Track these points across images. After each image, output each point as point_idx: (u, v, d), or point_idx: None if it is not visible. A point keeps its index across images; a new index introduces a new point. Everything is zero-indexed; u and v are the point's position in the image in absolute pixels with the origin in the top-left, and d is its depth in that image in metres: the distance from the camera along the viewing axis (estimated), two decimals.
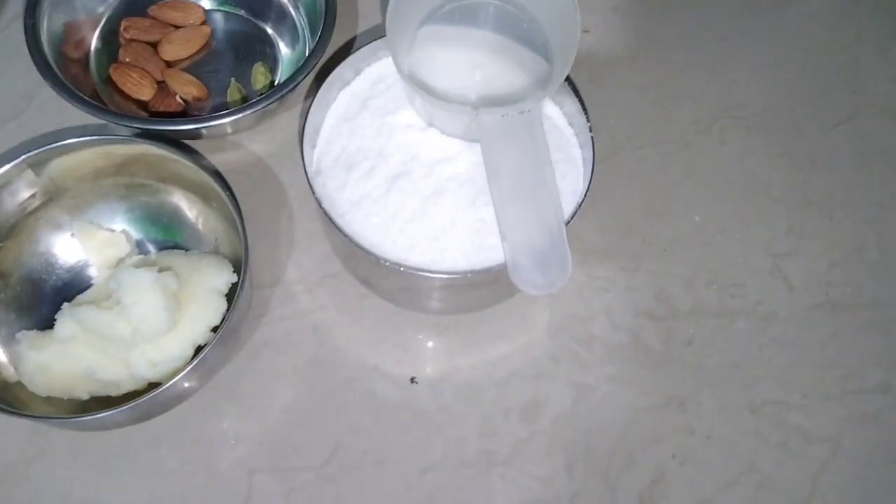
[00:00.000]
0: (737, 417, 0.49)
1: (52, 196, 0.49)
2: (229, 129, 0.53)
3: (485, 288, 0.47)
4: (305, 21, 0.58)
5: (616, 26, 0.61)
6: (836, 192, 0.56)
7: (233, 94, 0.56)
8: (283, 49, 0.58)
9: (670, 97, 0.59)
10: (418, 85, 0.45)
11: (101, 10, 0.57)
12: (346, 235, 0.44)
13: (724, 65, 0.60)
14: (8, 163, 0.46)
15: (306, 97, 0.56)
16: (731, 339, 0.51)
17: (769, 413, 0.49)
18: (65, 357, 0.45)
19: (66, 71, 0.53)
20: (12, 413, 0.42)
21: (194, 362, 0.43)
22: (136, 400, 0.41)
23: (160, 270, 0.46)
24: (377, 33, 0.49)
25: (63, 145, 0.47)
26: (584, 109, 0.47)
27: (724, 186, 0.56)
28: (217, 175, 0.49)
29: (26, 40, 0.51)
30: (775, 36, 0.62)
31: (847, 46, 0.62)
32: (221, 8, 0.59)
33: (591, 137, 0.47)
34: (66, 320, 0.45)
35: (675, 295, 0.52)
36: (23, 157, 0.46)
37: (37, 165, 0.47)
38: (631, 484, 0.47)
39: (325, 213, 0.45)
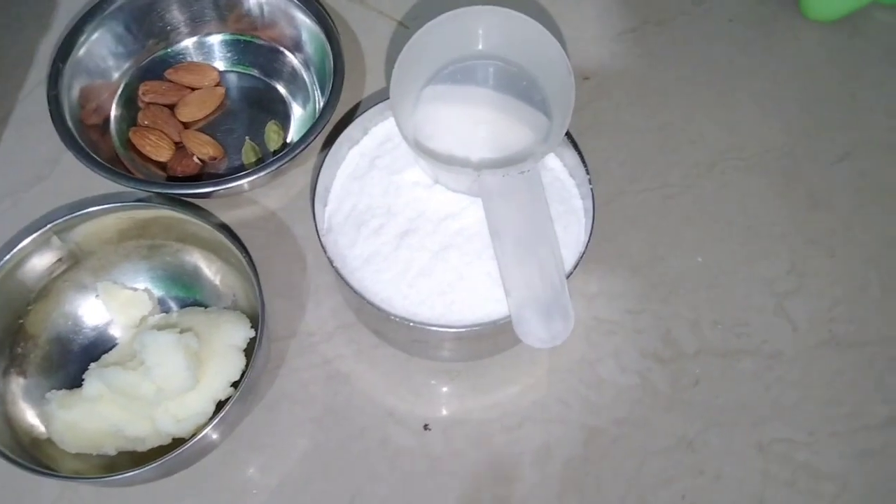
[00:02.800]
0: (745, 457, 0.50)
1: (77, 259, 0.51)
2: (245, 188, 0.56)
3: (493, 338, 0.49)
4: (316, 81, 0.60)
5: (616, 72, 0.63)
6: (837, 229, 0.57)
7: (248, 154, 0.58)
8: (295, 107, 0.60)
9: (670, 140, 0.60)
10: (421, 147, 0.47)
11: (118, 76, 0.60)
12: (356, 292, 0.46)
13: (722, 106, 0.62)
14: (35, 231, 0.48)
15: (317, 153, 0.58)
16: (737, 379, 0.52)
17: (777, 451, 0.50)
18: (92, 415, 0.47)
19: (87, 137, 0.55)
20: (45, 474, 0.44)
21: (217, 418, 0.44)
22: (162, 459, 0.43)
23: (181, 330, 0.48)
24: (384, 94, 0.51)
25: (86, 213, 0.49)
26: (584, 162, 0.49)
27: (726, 227, 0.57)
28: (231, 234, 0.51)
29: (49, 110, 0.54)
30: (772, 75, 0.63)
31: (843, 83, 0.63)
32: (235, 69, 0.62)
33: (591, 189, 0.48)
34: (94, 381, 0.47)
35: (681, 336, 0.53)
36: (49, 225, 0.49)
37: (62, 232, 0.49)
38: None
39: (337, 271, 0.47)
